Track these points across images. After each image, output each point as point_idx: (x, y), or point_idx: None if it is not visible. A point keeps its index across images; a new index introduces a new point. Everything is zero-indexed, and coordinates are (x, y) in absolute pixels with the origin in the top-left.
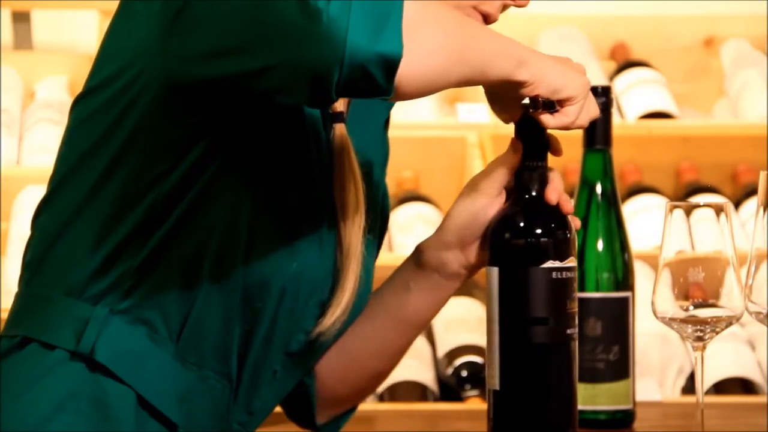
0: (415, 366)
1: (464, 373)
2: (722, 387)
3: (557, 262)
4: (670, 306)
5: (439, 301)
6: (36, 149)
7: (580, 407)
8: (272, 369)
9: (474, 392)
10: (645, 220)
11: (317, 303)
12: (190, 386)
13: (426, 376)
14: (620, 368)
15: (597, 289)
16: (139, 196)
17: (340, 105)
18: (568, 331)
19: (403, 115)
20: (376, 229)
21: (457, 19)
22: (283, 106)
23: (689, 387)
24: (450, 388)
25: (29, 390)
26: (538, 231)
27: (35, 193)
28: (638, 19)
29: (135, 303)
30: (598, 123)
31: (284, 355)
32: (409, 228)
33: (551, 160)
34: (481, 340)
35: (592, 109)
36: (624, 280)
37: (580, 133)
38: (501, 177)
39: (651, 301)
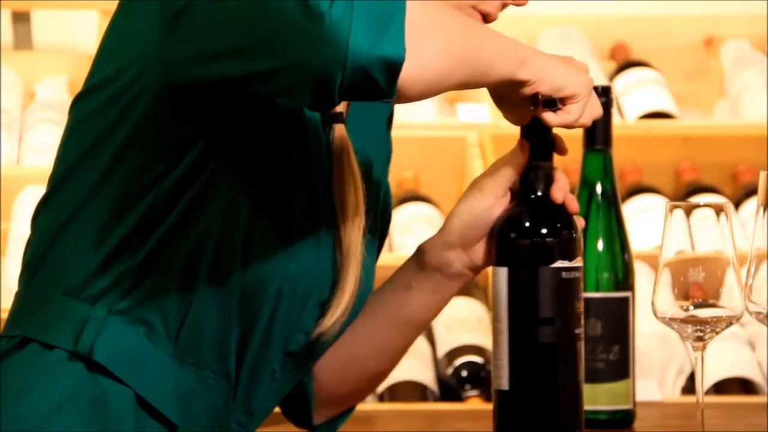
0: (415, 366)
1: (464, 373)
2: (722, 387)
3: (566, 261)
4: (670, 306)
5: (441, 301)
6: (36, 149)
7: None
8: (271, 369)
9: (474, 392)
10: (645, 220)
11: (317, 303)
12: (188, 386)
13: (426, 376)
14: (620, 368)
15: (597, 289)
16: (138, 196)
17: (340, 105)
18: (576, 331)
19: (404, 115)
20: (377, 230)
21: (458, 21)
22: (284, 107)
23: (689, 387)
24: (450, 388)
25: (29, 391)
26: (549, 231)
27: (35, 193)
28: (638, 19)
29: (133, 303)
30: (599, 123)
31: (283, 355)
32: (409, 228)
33: None
34: (481, 340)
35: (595, 108)
36: (624, 280)
37: (580, 132)
38: (507, 177)
39: (651, 301)
